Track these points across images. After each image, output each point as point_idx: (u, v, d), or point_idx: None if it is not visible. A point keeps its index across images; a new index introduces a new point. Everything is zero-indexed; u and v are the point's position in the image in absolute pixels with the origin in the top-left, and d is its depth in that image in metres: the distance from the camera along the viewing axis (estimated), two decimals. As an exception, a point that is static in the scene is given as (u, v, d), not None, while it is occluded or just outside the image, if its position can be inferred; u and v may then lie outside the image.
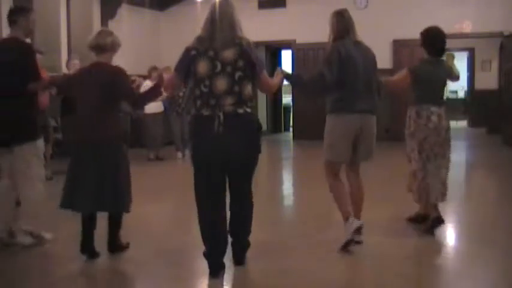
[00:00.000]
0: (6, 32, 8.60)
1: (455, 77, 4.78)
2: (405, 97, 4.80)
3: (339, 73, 3.87)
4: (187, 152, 9.38)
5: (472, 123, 14.60)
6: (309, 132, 11.74)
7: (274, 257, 3.88)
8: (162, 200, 6.13)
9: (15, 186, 4.09)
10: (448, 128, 4.49)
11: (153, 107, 8.94)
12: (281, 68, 4.01)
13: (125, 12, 11.35)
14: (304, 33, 11.92)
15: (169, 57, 12.52)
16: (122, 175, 3.81)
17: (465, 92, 16.86)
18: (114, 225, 3.92)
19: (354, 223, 3.92)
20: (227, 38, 3.34)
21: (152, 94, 4.06)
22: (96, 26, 10.61)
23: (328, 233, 4.45)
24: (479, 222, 4.92)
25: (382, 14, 11.31)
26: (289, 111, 14.32)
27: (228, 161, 3.34)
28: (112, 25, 11.04)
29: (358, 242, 3.98)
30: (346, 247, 3.91)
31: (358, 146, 4.03)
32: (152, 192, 6.31)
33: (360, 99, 3.93)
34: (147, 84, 9.08)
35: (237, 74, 3.31)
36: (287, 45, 12.63)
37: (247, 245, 3.64)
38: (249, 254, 3.72)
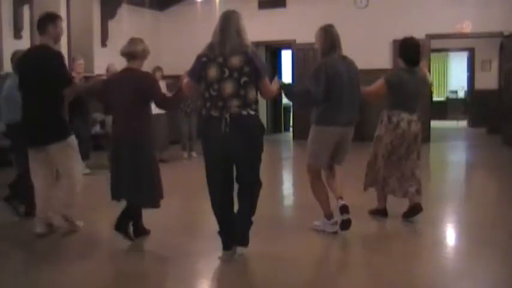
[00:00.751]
0: (6, 31, 8.67)
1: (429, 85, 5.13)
2: (378, 104, 5.10)
3: (325, 88, 4.19)
4: (194, 153, 9.43)
5: (472, 123, 14.60)
6: (308, 132, 11.73)
7: (274, 257, 3.89)
8: (169, 200, 6.12)
9: (56, 177, 4.65)
10: (417, 135, 4.75)
11: (155, 108, 8.89)
12: (280, 79, 4.26)
13: (125, 12, 11.36)
14: (304, 33, 11.90)
15: (169, 57, 12.62)
16: (155, 171, 4.23)
17: (465, 92, 16.85)
18: (137, 214, 4.37)
19: (333, 227, 4.37)
20: (235, 45, 3.65)
21: (179, 97, 4.36)
22: (96, 26, 10.64)
23: (328, 233, 4.46)
24: (479, 222, 4.91)
25: (382, 14, 11.31)
26: (289, 111, 14.33)
27: (233, 156, 3.70)
28: (112, 25, 11.06)
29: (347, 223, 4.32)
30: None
31: (336, 152, 4.45)
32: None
33: (343, 112, 4.29)
34: None
35: (243, 79, 3.63)
36: (287, 45, 12.63)
37: (250, 223, 3.88)
38: (248, 254, 3.72)
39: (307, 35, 12.23)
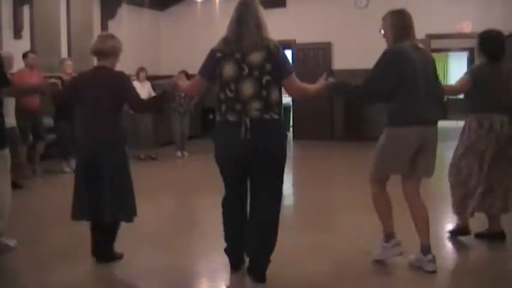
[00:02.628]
0: (6, 31, 8.66)
1: None
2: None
3: (393, 81, 3.51)
4: (185, 153, 9.51)
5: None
6: (309, 132, 11.74)
7: (274, 257, 3.88)
8: (159, 200, 6.13)
9: None
10: (511, 138, 4.14)
11: None
12: (331, 75, 3.68)
13: (125, 12, 11.35)
14: (304, 33, 11.92)
15: (169, 57, 12.60)
16: (128, 178, 3.79)
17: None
18: (112, 233, 3.82)
19: (395, 250, 3.73)
20: (254, 39, 3.22)
21: (156, 104, 4.13)
22: (96, 26, 10.62)
23: (328, 233, 4.45)
24: (479, 222, 4.90)
25: (382, 14, 11.23)
26: (289, 111, 14.30)
27: (254, 166, 3.26)
28: (112, 25, 11.04)
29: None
30: (378, 261, 3.79)
31: (417, 160, 3.62)
32: (151, 191, 6.31)
33: (421, 108, 3.54)
34: (135, 86, 9.13)
35: (265, 78, 3.19)
36: (287, 45, 12.58)
37: (267, 263, 3.34)
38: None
39: (307, 35, 12.36)
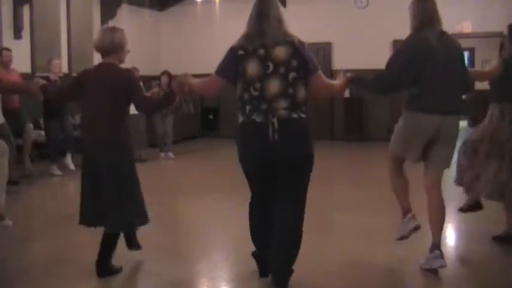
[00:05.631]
0: (6, 31, 8.66)
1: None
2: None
3: (411, 68, 3.47)
4: (171, 154, 9.31)
5: (472, 123, 14.58)
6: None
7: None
8: (157, 201, 6.13)
9: None
10: None
11: (133, 109, 8.96)
12: (346, 72, 3.65)
13: (125, 12, 11.35)
14: (304, 33, 11.77)
15: (169, 57, 12.60)
16: (135, 184, 3.56)
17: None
18: (112, 244, 3.57)
19: (411, 222, 3.79)
20: (277, 34, 3.07)
21: (164, 104, 3.73)
22: (96, 26, 10.62)
23: (328, 233, 4.45)
24: (479, 222, 4.91)
25: (382, 14, 11.30)
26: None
27: (281, 169, 3.10)
28: (112, 25, 11.05)
29: (416, 228, 3.82)
30: (401, 239, 3.87)
31: (434, 150, 3.59)
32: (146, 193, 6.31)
33: (440, 98, 3.49)
34: None
35: (291, 75, 3.04)
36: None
37: (290, 274, 3.20)
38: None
39: (307, 35, 12.23)
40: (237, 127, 3.20)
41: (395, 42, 11.32)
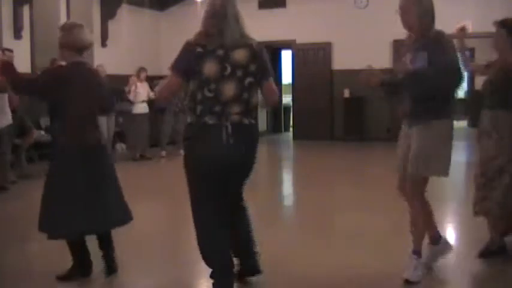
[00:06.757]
0: (6, 31, 8.66)
1: None
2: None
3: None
4: (163, 153, 9.52)
5: (472, 123, 14.60)
6: (309, 132, 11.74)
7: (274, 258, 3.89)
8: (156, 199, 6.13)
9: None
10: None
11: (140, 108, 9.29)
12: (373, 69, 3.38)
13: (125, 12, 11.36)
14: (304, 33, 11.93)
15: (169, 57, 12.55)
16: (117, 181, 3.53)
17: (465, 92, 16.87)
18: (110, 242, 3.56)
19: (447, 246, 3.62)
20: (236, 35, 2.94)
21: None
22: (96, 26, 10.63)
23: (328, 233, 4.45)
24: (479, 222, 4.90)
25: (382, 14, 11.29)
26: (289, 111, 14.32)
27: (233, 171, 3.03)
28: (112, 25, 11.05)
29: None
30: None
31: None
32: (143, 191, 6.32)
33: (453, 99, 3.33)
34: (138, 85, 9.21)
35: (248, 80, 2.94)
36: (287, 45, 12.63)
37: (258, 255, 3.33)
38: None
39: (307, 35, 12.36)
40: (186, 128, 3.09)
41: (395, 42, 11.33)
